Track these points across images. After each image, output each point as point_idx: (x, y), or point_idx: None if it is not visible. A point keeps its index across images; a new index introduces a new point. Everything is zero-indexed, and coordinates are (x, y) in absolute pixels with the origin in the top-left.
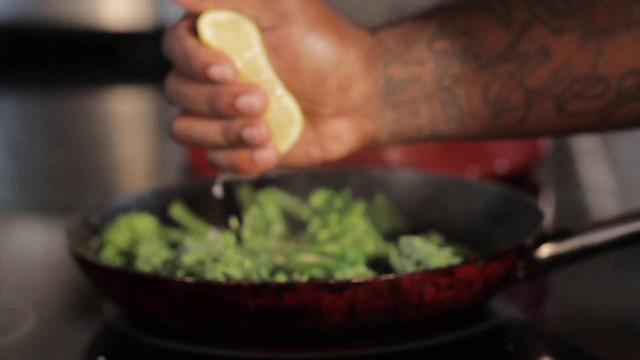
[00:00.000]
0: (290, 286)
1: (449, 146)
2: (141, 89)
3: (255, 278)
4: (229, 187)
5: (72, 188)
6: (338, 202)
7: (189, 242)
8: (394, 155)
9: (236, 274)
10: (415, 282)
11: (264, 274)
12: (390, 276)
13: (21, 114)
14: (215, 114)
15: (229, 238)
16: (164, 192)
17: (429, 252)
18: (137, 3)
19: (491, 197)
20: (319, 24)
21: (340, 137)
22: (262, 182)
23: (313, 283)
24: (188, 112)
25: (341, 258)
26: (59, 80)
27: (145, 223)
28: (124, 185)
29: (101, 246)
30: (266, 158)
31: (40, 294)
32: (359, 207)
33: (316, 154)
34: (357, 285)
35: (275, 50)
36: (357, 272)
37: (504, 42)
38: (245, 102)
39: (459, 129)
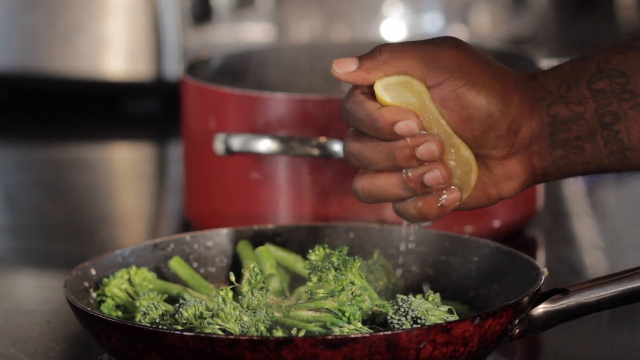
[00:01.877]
0: (288, 341)
1: None
2: (141, 141)
3: (253, 333)
4: (227, 244)
5: (70, 240)
6: (335, 258)
7: (188, 296)
8: (391, 212)
9: (234, 328)
10: (412, 338)
11: (262, 329)
12: (388, 332)
13: (20, 164)
14: (396, 168)
15: (227, 293)
16: (162, 246)
17: (426, 309)
18: (137, 54)
19: (488, 253)
20: (482, 74)
21: (513, 176)
22: (260, 238)
23: (311, 338)
24: (367, 170)
25: (339, 314)
26: (58, 131)
27: (144, 277)
28: (123, 238)
29: (100, 299)
30: (452, 199)
31: (39, 347)
32: (356, 264)
33: (493, 193)
34: (355, 340)
35: (444, 104)
36: (354, 329)
37: None
38: (424, 150)
39: (621, 162)
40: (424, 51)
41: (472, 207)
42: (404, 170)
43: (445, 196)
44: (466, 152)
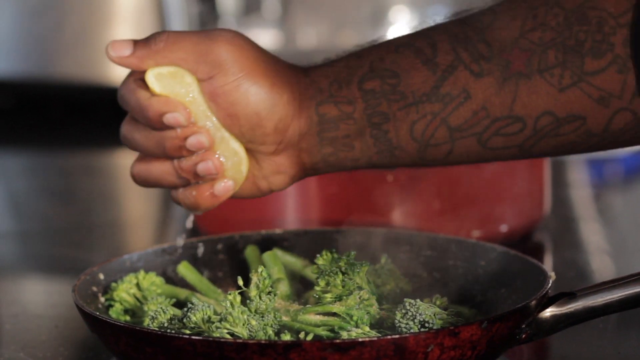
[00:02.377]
0: (296, 345)
1: (453, 209)
2: None
3: (261, 337)
4: (235, 248)
5: (78, 245)
6: (343, 263)
7: (196, 300)
8: (399, 217)
9: (242, 333)
10: (420, 342)
11: (270, 333)
12: (396, 336)
13: (27, 170)
14: (167, 156)
15: (235, 297)
16: (170, 251)
17: (434, 313)
18: None
19: (495, 257)
20: (252, 72)
21: (282, 171)
22: (268, 243)
23: (319, 342)
24: (144, 156)
25: (346, 318)
26: (65, 137)
27: (152, 281)
28: (131, 243)
29: (108, 304)
30: (224, 189)
31: (47, 351)
32: (364, 268)
33: (263, 186)
34: (363, 344)
35: (213, 98)
36: (362, 332)
37: (428, 84)
38: (194, 141)
39: (390, 160)
40: (198, 44)
41: (244, 197)
42: (176, 160)
43: (218, 186)
44: (235, 145)
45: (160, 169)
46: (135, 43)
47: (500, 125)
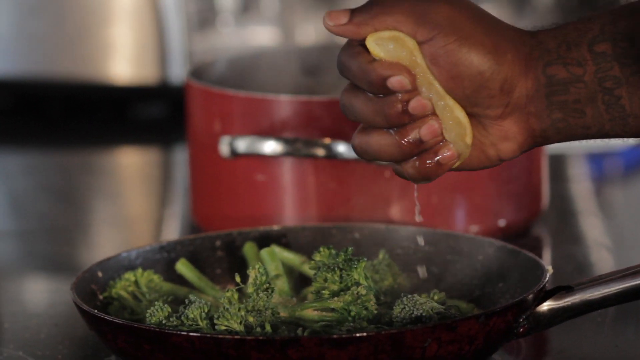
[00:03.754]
0: (294, 341)
1: (451, 204)
2: (147, 145)
3: (259, 333)
4: (233, 245)
5: (77, 244)
6: (340, 259)
7: (194, 297)
8: (397, 213)
9: (240, 329)
10: (417, 337)
11: (268, 329)
12: (393, 331)
13: (27, 169)
14: (389, 125)
15: (233, 294)
16: (169, 249)
17: (431, 308)
18: (142, 59)
19: (493, 252)
20: (473, 30)
21: (510, 137)
22: (266, 240)
23: (317, 338)
24: (365, 127)
25: (344, 314)
26: (64, 136)
27: (150, 279)
28: (130, 241)
29: (107, 301)
30: (449, 156)
31: (46, 349)
32: (362, 264)
33: (492, 154)
34: (360, 339)
35: (434, 60)
36: (360, 328)
37: None
38: (416, 104)
39: (624, 128)
40: (416, 5)
41: (474, 168)
42: (397, 129)
43: (443, 153)
44: (460, 114)
45: (381, 141)
46: (352, 11)
47: None
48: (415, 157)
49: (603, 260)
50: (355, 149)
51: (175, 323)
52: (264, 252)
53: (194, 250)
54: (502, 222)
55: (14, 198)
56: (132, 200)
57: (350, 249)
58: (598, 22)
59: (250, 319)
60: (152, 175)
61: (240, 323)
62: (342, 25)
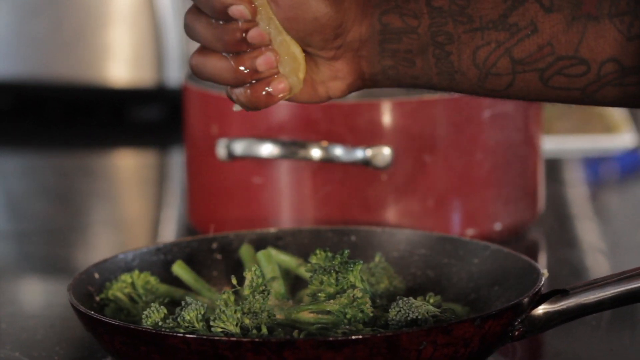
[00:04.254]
0: (290, 343)
1: (447, 208)
2: (144, 147)
3: (255, 335)
4: (229, 247)
5: (74, 245)
6: (336, 261)
7: (190, 299)
8: (393, 216)
9: (236, 331)
10: (413, 339)
11: (264, 331)
12: (389, 333)
13: (24, 171)
14: (226, 50)
15: (229, 296)
16: (165, 251)
17: (427, 311)
18: (140, 62)
19: (489, 255)
20: None
21: (340, 76)
22: (262, 242)
23: (313, 340)
24: (204, 48)
25: (340, 316)
26: (62, 138)
27: (146, 280)
28: (127, 243)
29: (103, 303)
30: (280, 89)
31: (43, 350)
32: (358, 267)
33: (321, 91)
34: (356, 342)
35: (272, 1)
36: (356, 330)
37: (497, 11)
38: (255, 34)
39: (450, 83)
40: None
41: (302, 101)
42: (234, 55)
43: (275, 84)
44: (296, 50)
45: (217, 64)
46: None
47: (564, 65)
48: (248, 85)
49: (598, 264)
50: (191, 68)
51: (171, 325)
52: (261, 254)
53: (190, 252)
54: (498, 226)
55: (12, 199)
56: (129, 202)
57: (346, 251)
58: None
59: (247, 321)
60: (149, 177)
61: (237, 325)
62: None
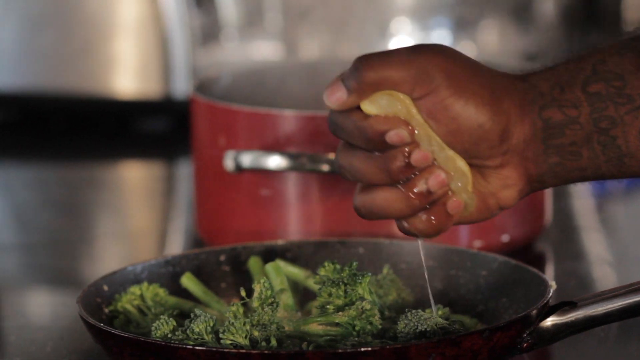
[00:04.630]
0: (299, 355)
1: None
2: (151, 159)
3: (264, 347)
4: (238, 259)
5: (82, 258)
6: (345, 273)
7: (199, 311)
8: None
9: (245, 343)
10: (421, 351)
11: (273, 343)
12: (397, 345)
13: (32, 183)
14: (393, 180)
15: (238, 309)
16: (174, 263)
17: (435, 323)
18: (147, 73)
19: (497, 267)
20: (468, 82)
21: (510, 184)
22: (271, 254)
23: (322, 352)
24: (367, 186)
25: (349, 328)
26: (68, 150)
27: (155, 293)
28: (135, 255)
29: (112, 315)
30: (456, 205)
31: None
32: (366, 279)
33: (492, 203)
34: (365, 354)
35: (432, 116)
36: (365, 342)
37: None
38: (419, 156)
39: (620, 169)
40: (411, 62)
41: (475, 221)
42: (403, 183)
43: (450, 203)
44: (461, 164)
45: (386, 197)
46: (344, 81)
47: None
48: (423, 211)
49: (606, 275)
50: (358, 211)
51: (180, 337)
52: (269, 266)
53: (199, 265)
54: (505, 238)
55: (19, 211)
56: (136, 214)
57: (354, 263)
58: (589, 61)
59: (256, 333)
60: (156, 189)
61: (246, 337)
62: (344, 101)
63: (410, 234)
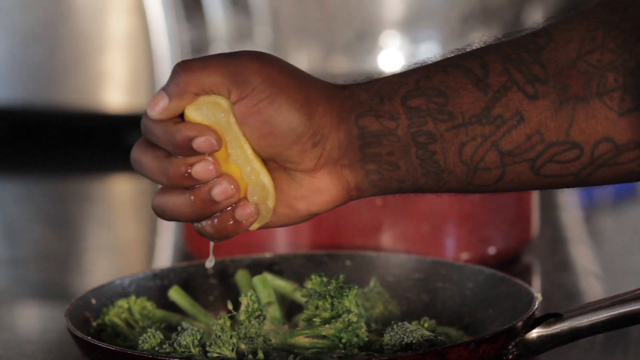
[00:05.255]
0: None
1: (441, 232)
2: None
3: None
4: (225, 272)
5: (70, 271)
6: (332, 286)
7: (186, 324)
8: (388, 240)
9: (232, 356)
10: None
11: (260, 356)
12: (384, 358)
13: (22, 197)
14: (171, 185)
15: (225, 322)
16: (161, 276)
17: (421, 335)
18: (136, 87)
19: (483, 280)
20: (284, 86)
21: (323, 190)
22: (258, 267)
23: None
24: (164, 188)
25: (335, 341)
26: (59, 164)
27: (143, 306)
28: (124, 268)
29: (100, 328)
30: (247, 214)
31: None
32: (353, 292)
33: (302, 207)
34: None
35: (245, 120)
36: (351, 355)
37: (479, 105)
38: (200, 168)
39: (438, 183)
40: (227, 65)
41: (280, 225)
42: (190, 189)
43: (240, 211)
44: (264, 178)
45: (175, 201)
46: (165, 88)
47: (556, 152)
48: (213, 216)
49: (593, 287)
50: (155, 210)
51: (168, 350)
52: (256, 279)
53: (186, 278)
54: (492, 250)
55: (8, 225)
56: (125, 228)
57: (341, 276)
58: (413, 76)
59: (242, 346)
60: (147, 202)
61: (233, 350)
62: (166, 108)
63: (201, 234)
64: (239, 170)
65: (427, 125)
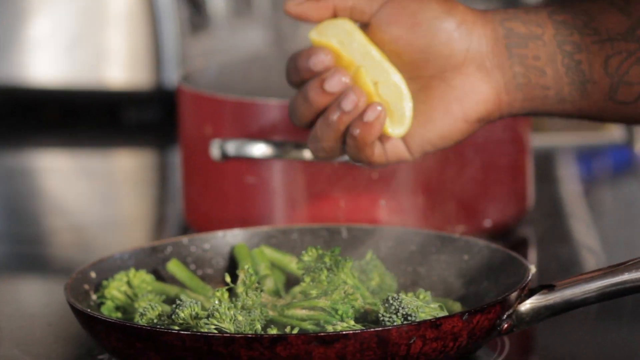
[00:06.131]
0: (282, 338)
1: (437, 205)
2: (141, 148)
3: (248, 331)
4: (223, 245)
5: (71, 245)
6: (327, 259)
7: (184, 297)
8: (384, 213)
9: (229, 328)
10: (402, 334)
11: (257, 327)
12: (379, 328)
13: (22, 172)
14: (316, 109)
15: (223, 294)
16: (160, 249)
17: (416, 306)
18: (137, 64)
19: (478, 251)
20: None
21: (476, 89)
22: (256, 240)
23: (304, 335)
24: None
25: (331, 312)
26: (60, 140)
27: (142, 279)
28: (124, 243)
29: (100, 301)
30: (374, 114)
31: (41, 348)
32: (349, 264)
33: (457, 111)
34: (347, 337)
35: (392, 20)
36: (347, 326)
37: (624, 26)
38: (334, 82)
39: (581, 94)
40: None
41: (439, 136)
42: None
43: (368, 113)
44: (396, 77)
45: (320, 126)
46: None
47: None
48: (349, 131)
49: (588, 260)
50: (312, 151)
51: (166, 322)
52: (254, 252)
53: (185, 251)
54: (487, 222)
55: (9, 200)
56: (127, 203)
57: (337, 249)
58: (557, 2)
59: (240, 318)
60: (147, 177)
61: (230, 322)
62: (302, 3)
63: (350, 156)
64: (370, 81)
65: (573, 36)
